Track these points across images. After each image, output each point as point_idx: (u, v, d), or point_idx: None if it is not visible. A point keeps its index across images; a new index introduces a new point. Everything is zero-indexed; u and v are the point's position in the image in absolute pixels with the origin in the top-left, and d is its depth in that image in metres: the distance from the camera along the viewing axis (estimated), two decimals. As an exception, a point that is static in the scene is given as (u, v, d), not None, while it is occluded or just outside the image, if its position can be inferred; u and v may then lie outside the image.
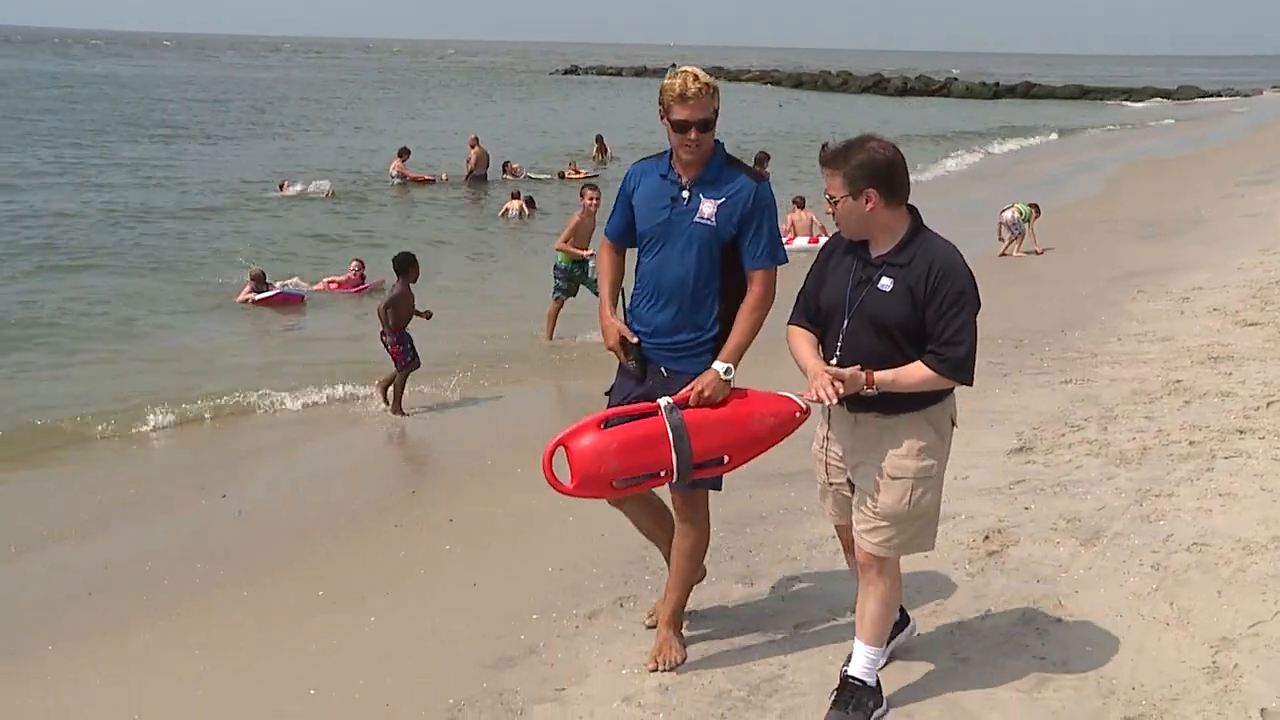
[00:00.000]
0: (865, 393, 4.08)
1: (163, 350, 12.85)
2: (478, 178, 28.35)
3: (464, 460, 9.13)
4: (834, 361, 4.18)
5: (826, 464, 4.48)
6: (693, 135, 4.55)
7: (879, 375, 4.06)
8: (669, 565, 5.11)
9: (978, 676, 4.76)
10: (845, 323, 4.18)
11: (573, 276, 13.05)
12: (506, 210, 23.61)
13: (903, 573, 5.82)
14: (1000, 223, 17.99)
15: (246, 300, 15.20)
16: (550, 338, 13.04)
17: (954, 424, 4.34)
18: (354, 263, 16.55)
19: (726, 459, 4.71)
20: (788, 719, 4.52)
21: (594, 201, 12.93)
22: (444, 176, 28.34)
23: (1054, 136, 44.39)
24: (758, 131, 42.05)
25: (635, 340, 4.76)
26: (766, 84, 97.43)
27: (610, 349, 4.86)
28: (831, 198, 4.15)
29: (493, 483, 8.09)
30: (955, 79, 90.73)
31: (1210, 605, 5.21)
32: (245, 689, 5.26)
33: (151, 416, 9.68)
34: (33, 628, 6.05)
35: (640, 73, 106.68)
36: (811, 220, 19.14)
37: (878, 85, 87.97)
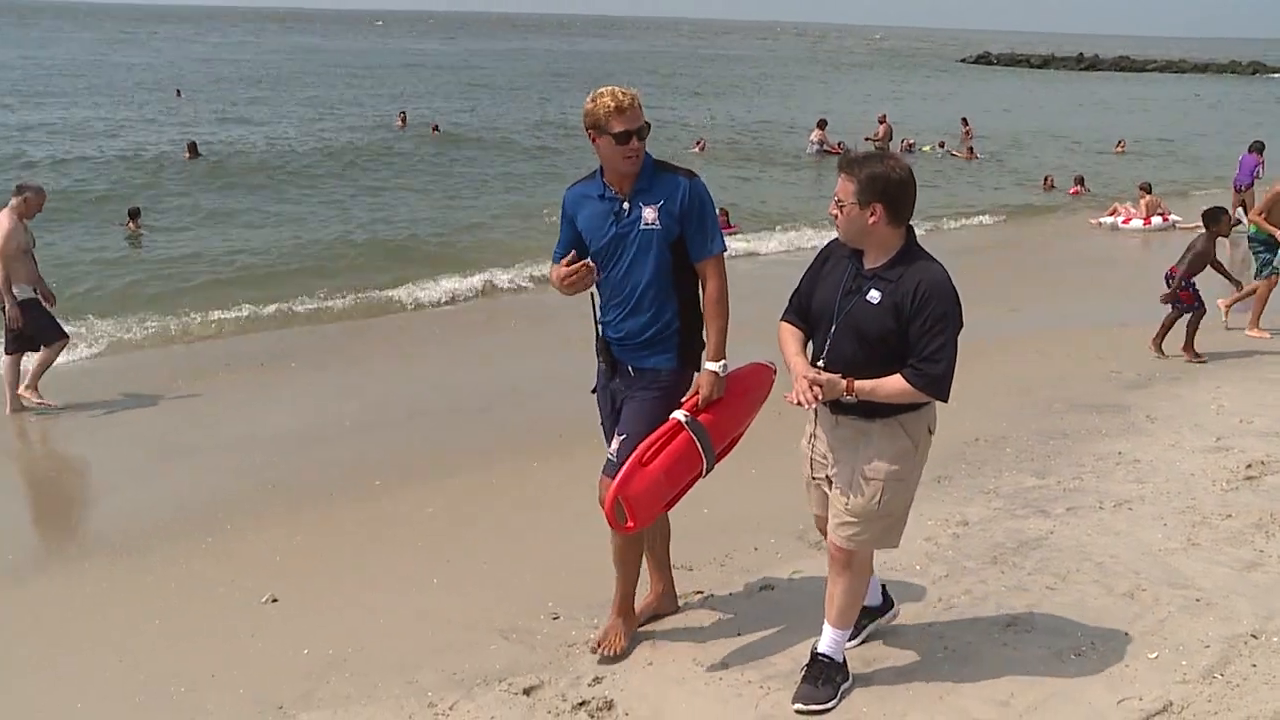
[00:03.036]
0: (844, 399, 3.93)
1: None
2: (882, 150, 28.83)
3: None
4: (820, 364, 4.00)
5: (811, 459, 4.25)
6: (634, 144, 4.29)
7: (859, 384, 3.88)
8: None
9: (1204, 556, 5.41)
10: (832, 328, 3.98)
11: (1273, 247, 10.73)
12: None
13: (1167, 480, 6.51)
14: None
15: None
16: (1257, 325, 10.72)
17: (931, 431, 4.11)
18: (719, 211, 17.77)
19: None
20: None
21: None
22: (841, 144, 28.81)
23: None
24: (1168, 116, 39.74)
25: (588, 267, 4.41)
26: (1173, 73, 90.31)
27: (566, 278, 4.41)
28: (840, 201, 3.92)
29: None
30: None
31: None
32: (556, 527, 6.35)
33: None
34: (432, 462, 7.66)
35: (1047, 62, 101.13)
36: (1158, 203, 19.45)
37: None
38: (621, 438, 4.43)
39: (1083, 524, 5.87)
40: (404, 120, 32.03)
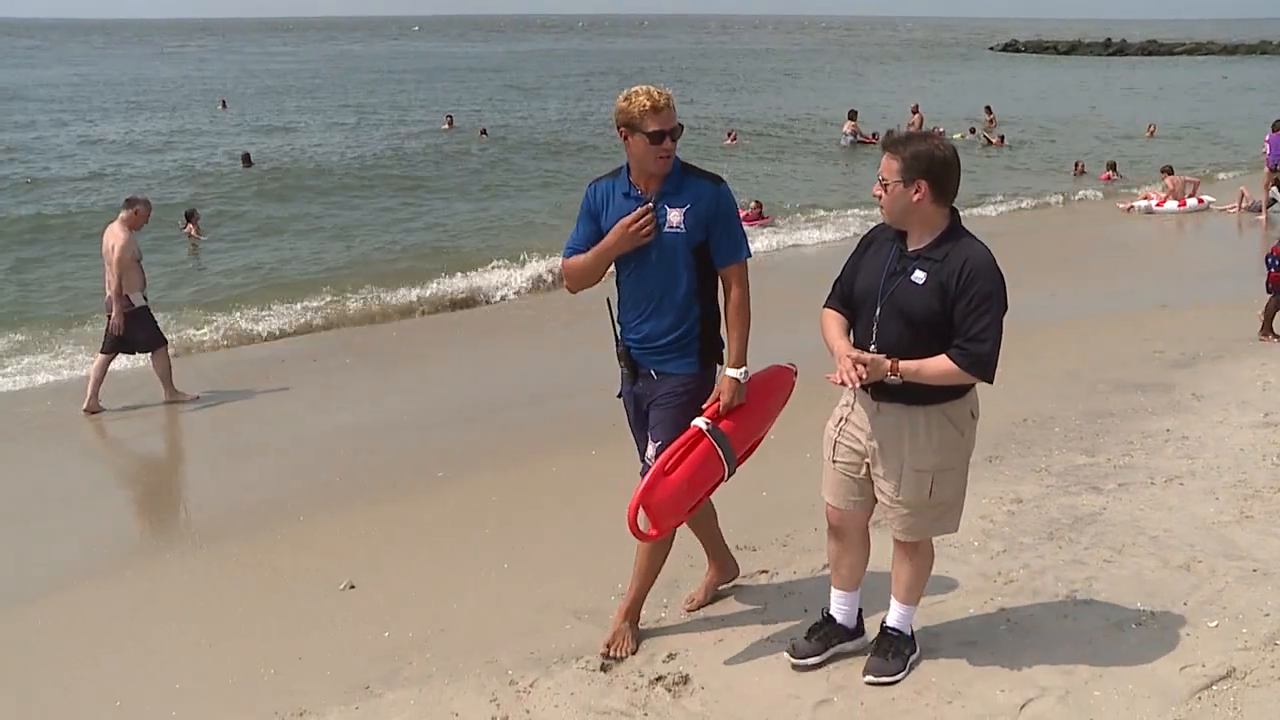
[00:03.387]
0: (889, 380, 3.80)
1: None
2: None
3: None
4: (872, 349, 3.86)
5: (835, 442, 4.13)
6: (667, 144, 4.17)
7: (903, 364, 3.77)
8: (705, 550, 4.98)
9: (1258, 528, 5.39)
10: (877, 310, 3.86)
11: None
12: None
13: (1217, 455, 6.50)
14: None
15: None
16: None
17: (975, 417, 4.01)
18: (753, 203, 17.97)
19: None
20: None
21: None
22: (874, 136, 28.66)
23: None
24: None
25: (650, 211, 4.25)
26: (1201, 55, 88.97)
27: (632, 229, 4.24)
28: (883, 180, 3.83)
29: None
30: None
31: None
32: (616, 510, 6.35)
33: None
34: (491, 453, 7.84)
35: (1074, 48, 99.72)
36: (1183, 183, 19.32)
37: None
38: (657, 444, 4.35)
39: (1135, 499, 5.88)
40: (450, 123, 32.19)
